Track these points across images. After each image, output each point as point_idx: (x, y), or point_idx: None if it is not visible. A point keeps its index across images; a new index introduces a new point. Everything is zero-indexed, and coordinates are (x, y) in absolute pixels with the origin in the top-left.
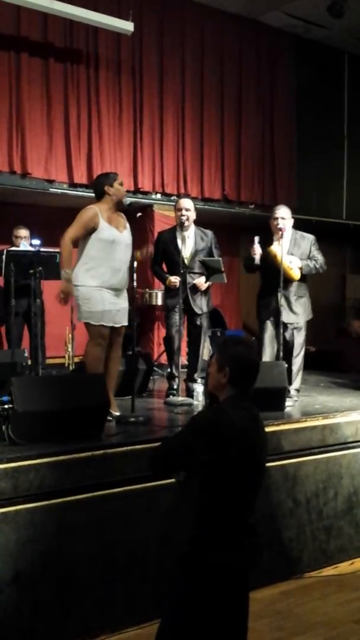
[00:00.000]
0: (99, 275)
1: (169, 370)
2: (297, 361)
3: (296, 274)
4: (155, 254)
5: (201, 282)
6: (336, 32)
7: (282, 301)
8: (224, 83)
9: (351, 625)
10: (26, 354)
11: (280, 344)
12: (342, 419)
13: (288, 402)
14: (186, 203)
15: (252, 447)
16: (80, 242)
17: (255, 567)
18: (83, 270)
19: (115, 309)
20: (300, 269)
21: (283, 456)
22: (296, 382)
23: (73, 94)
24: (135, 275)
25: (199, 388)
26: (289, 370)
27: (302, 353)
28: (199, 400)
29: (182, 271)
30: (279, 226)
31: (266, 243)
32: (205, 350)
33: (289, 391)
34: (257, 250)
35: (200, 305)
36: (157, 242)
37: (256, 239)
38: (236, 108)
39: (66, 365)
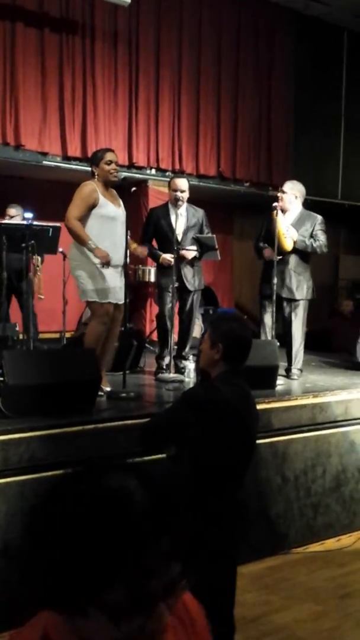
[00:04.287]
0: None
1: (160, 347)
2: (296, 339)
3: (288, 244)
4: (147, 231)
5: (188, 252)
6: (336, 9)
7: (276, 274)
8: (221, 58)
9: (336, 601)
10: (17, 328)
11: (273, 321)
12: (332, 398)
13: (280, 381)
14: (182, 184)
15: (243, 423)
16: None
17: (243, 541)
18: (86, 248)
19: (119, 286)
20: (295, 242)
21: (273, 434)
22: (298, 362)
23: (68, 66)
24: (128, 251)
25: (189, 365)
26: (289, 349)
27: (301, 332)
28: (189, 377)
29: (176, 248)
30: (279, 200)
31: (270, 219)
32: (197, 327)
33: (290, 370)
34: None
35: (193, 282)
36: (149, 218)
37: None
38: (233, 84)
39: (59, 339)
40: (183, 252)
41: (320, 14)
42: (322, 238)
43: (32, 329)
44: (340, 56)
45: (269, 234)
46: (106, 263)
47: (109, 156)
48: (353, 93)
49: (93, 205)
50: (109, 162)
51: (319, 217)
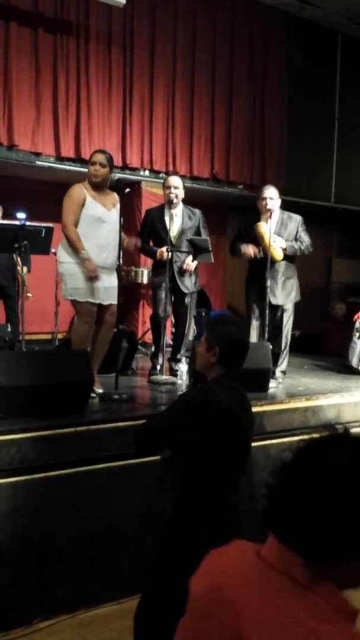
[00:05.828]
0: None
1: (153, 348)
2: (284, 343)
3: (278, 255)
4: (142, 231)
5: (189, 264)
6: (330, 12)
7: (269, 282)
8: (215, 60)
9: None
10: (9, 329)
11: (266, 325)
12: (325, 401)
13: (272, 384)
14: (175, 181)
15: (239, 427)
16: None
17: None
18: (68, 246)
19: (103, 287)
20: (284, 250)
21: (265, 436)
22: (282, 364)
23: (62, 66)
24: (121, 253)
25: (183, 367)
26: (276, 352)
27: (289, 335)
28: (182, 379)
29: (169, 250)
30: (267, 206)
31: (252, 223)
32: (190, 330)
33: (274, 373)
34: (253, 251)
35: (188, 285)
36: (145, 220)
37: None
38: (227, 86)
39: (50, 340)
40: (186, 266)
41: (314, 17)
42: (306, 238)
43: (16, 330)
44: (334, 59)
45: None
46: (94, 277)
47: (93, 157)
48: (347, 96)
49: (81, 205)
50: (92, 163)
51: (300, 218)
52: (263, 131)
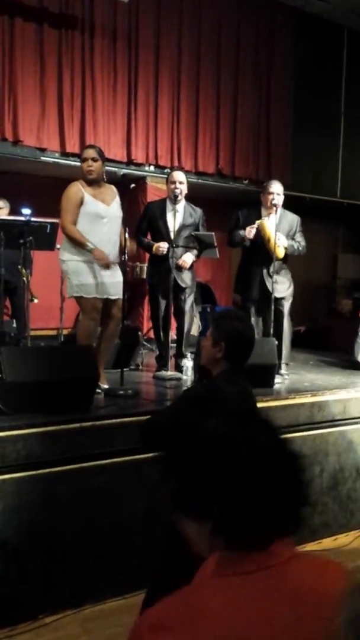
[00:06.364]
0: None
1: (158, 348)
2: (287, 335)
3: (281, 252)
4: (141, 223)
5: (185, 260)
6: (336, 7)
7: (267, 276)
8: (220, 55)
9: None
10: (14, 325)
11: (271, 319)
12: (330, 396)
13: (277, 379)
14: (180, 176)
15: None
16: None
17: None
18: (71, 244)
19: (109, 282)
20: (285, 248)
21: None
22: (286, 357)
23: (67, 61)
24: (126, 248)
25: (188, 363)
26: (279, 344)
27: (290, 327)
28: (188, 375)
29: (172, 246)
30: (273, 202)
31: (252, 217)
32: (195, 325)
33: (280, 367)
34: (253, 233)
35: (185, 279)
36: (145, 212)
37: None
38: (233, 81)
39: (56, 336)
40: (181, 262)
41: (320, 12)
42: (302, 240)
43: (21, 326)
44: (340, 54)
45: (255, 240)
46: (105, 265)
47: (84, 154)
48: (353, 91)
49: (80, 204)
50: (84, 160)
51: (298, 218)
52: (268, 126)
